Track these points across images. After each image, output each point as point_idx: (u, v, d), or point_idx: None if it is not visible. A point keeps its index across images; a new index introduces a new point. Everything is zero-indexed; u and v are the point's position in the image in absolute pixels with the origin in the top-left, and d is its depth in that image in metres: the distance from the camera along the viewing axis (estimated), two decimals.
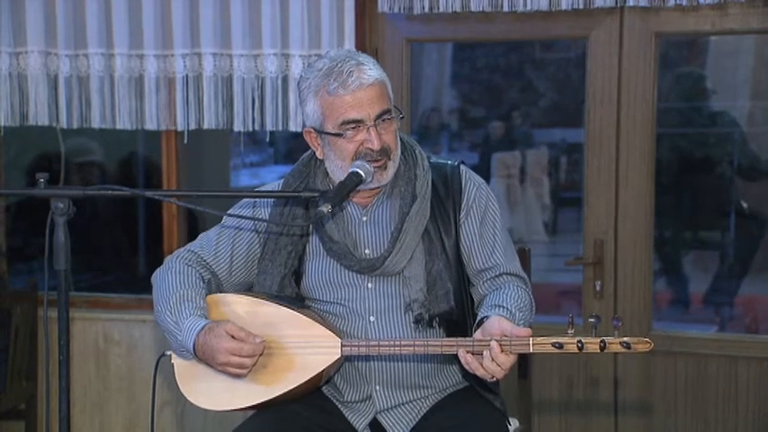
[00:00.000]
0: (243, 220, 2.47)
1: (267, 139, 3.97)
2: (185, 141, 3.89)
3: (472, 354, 2.14)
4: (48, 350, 2.28)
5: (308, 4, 3.66)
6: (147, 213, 6.19)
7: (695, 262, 6.07)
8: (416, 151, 2.42)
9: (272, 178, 2.82)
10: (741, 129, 5.59)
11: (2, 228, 4.30)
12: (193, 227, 4.57)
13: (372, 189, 2.35)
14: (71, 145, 4.31)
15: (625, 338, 2.09)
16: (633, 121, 3.53)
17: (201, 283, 2.40)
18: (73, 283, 2.21)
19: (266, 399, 2.28)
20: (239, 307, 2.35)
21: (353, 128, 2.28)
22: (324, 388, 2.46)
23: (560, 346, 2.08)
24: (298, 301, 2.42)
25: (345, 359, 2.38)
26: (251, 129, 3.80)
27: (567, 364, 3.68)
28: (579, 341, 2.08)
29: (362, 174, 2.27)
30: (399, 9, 3.60)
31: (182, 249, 2.51)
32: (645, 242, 3.57)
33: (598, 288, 3.60)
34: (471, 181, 2.43)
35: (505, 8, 3.49)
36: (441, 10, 3.55)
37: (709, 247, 5.98)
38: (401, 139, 2.41)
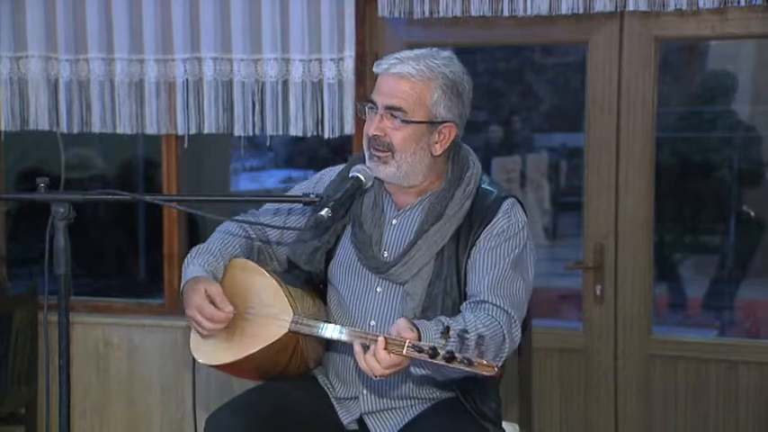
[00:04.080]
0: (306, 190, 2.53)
1: (267, 144, 3.95)
2: (185, 146, 3.89)
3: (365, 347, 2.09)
4: (48, 354, 2.29)
5: (309, 8, 3.66)
6: (147, 217, 6.19)
7: (695, 266, 6.07)
8: (467, 173, 2.38)
9: (273, 182, 2.89)
10: (758, 133, 5.57)
11: (2, 232, 4.30)
12: (194, 231, 4.58)
13: (393, 184, 2.37)
14: (71, 150, 4.30)
15: (472, 358, 1.95)
16: (633, 126, 3.53)
17: (237, 249, 2.49)
18: (73, 287, 2.21)
19: (232, 360, 2.33)
20: (242, 272, 2.44)
21: (369, 108, 2.34)
22: (321, 380, 2.51)
23: (420, 349, 1.98)
24: (302, 278, 2.48)
25: (334, 354, 2.47)
26: (251, 133, 3.80)
27: (567, 369, 3.68)
28: (432, 348, 1.97)
29: (363, 178, 2.32)
30: (399, 14, 3.60)
31: (251, 211, 2.62)
32: (645, 246, 3.57)
33: (598, 292, 3.60)
34: (508, 214, 2.34)
35: (505, 13, 3.49)
36: (441, 14, 3.55)
37: (710, 252, 5.98)
38: (460, 153, 2.40)
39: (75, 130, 3.93)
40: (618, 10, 3.43)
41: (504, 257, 2.31)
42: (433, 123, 2.30)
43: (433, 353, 1.96)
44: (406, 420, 2.42)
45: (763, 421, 3.50)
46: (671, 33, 3.51)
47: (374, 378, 2.07)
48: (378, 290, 2.39)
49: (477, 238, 2.32)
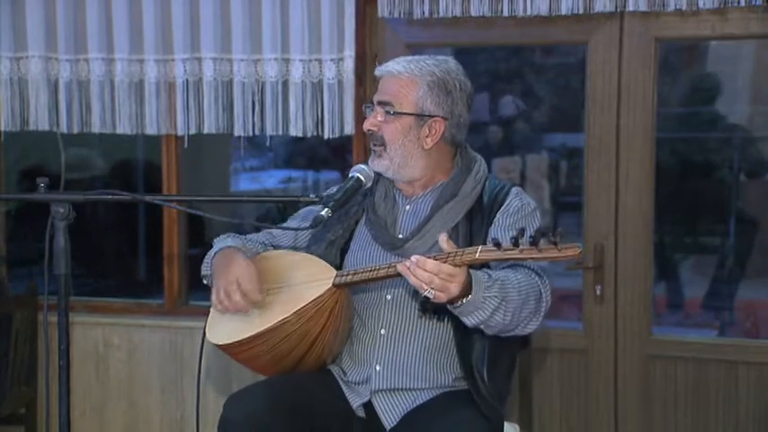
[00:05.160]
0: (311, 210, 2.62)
1: (267, 144, 3.96)
2: (185, 146, 3.89)
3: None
4: (48, 355, 2.29)
5: (309, 8, 3.66)
6: (147, 218, 6.19)
7: (695, 266, 6.07)
8: (475, 164, 2.52)
9: (273, 183, 2.96)
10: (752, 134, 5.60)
11: (2, 233, 4.30)
12: (195, 231, 4.58)
13: (406, 182, 2.50)
14: (71, 151, 4.30)
15: (557, 240, 1.97)
16: (633, 126, 3.53)
17: (259, 250, 2.59)
18: (73, 287, 2.21)
19: (262, 329, 2.35)
20: (268, 259, 2.52)
21: (369, 108, 2.51)
22: (332, 368, 2.54)
23: (499, 244, 2.00)
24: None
25: (353, 338, 2.50)
26: (251, 133, 3.80)
27: (567, 369, 3.68)
28: (513, 239, 1.99)
29: (363, 178, 2.42)
30: (399, 14, 3.60)
31: (265, 231, 2.73)
32: (645, 247, 3.57)
33: (598, 292, 3.60)
34: (518, 197, 2.48)
35: (505, 13, 3.50)
36: (441, 15, 3.56)
37: (709, 252, 5.98)
38: (468, 151, 2.54)
39: (75, 130, 3.93)
40: (618, 10, 3.43)
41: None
42: (420, 117, 2.44)
43: (515, 242, 1.98)
44: (414, 406, 2.44)
45: (763, 421, 3.50)
46: (671, 33, 3.51)
47: (427, 293, 2.08)
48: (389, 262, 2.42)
49: (494, 218, 2.43)
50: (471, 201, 2.46)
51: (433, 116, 2.44)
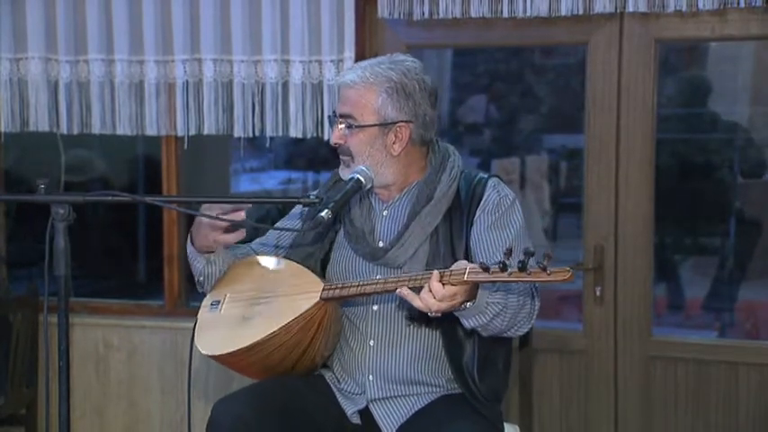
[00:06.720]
0: (300, 209, 2.63)
1: (267, 145, 3.96)
2: (185, 147, 3.89)
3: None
4: (48, 356, 2.29)
5: (309, 9, 3.66)
6: (147, 219, 6.19)
7: (695, 267, 6.07)
8: (449, 159, 2.48)
9: (273, 184, 2.96)
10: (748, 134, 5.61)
11: (2, 234, 4.30)
12: None
13: (381, 187, 2.46)
14: (71, 152, 4.30)
15: (546, 264, 2.01)
16: (633, 127, 3.53)
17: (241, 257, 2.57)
18: (73, 288, 2.21)
19: (251, 342, 2.33)
20: (253, 262, 2.52)
21: (334, 118, 2.45)
22: (327, 375, 2.52)
23: (487, 269, 2.03)
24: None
25: (341, 343, 2.48)
26: (251, 134, 3.80)
27: (567, 370, 3.68)
28: (501, 263, 2.02)
29: (363, 180, 2.37)
30: (399, 15, 3.60)
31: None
32: (645, 247, 3.57)
33: (598, 293, 3.60)
34: (496, 190, 2.44)
35: (505, 14, 3.50)
36: (440, 16, 3.56)
37: (709, 253, 5.98)
38: (439, 145, 2.50)
39: (75, 131, 3.94)
40: (617, 11, 3.43)
41: (508, 230, 2.39)
42: (384, 125, 2.39)
43: (503, 267, 1.99)
44: (413, 411, 2.43)
45: (764, 422, 3.50)
46: (671, 35, 3.51)
47: (431, 314, 2.13)
48: (377, 278, 2.40)
49: (474, 218, 2.40)
50: (448, 201, 2.42)
51: (397, 122, 2.39)
